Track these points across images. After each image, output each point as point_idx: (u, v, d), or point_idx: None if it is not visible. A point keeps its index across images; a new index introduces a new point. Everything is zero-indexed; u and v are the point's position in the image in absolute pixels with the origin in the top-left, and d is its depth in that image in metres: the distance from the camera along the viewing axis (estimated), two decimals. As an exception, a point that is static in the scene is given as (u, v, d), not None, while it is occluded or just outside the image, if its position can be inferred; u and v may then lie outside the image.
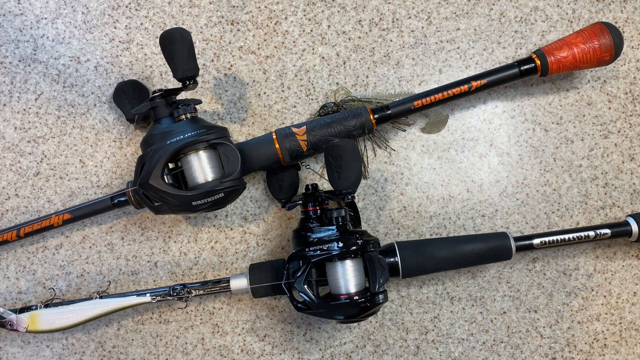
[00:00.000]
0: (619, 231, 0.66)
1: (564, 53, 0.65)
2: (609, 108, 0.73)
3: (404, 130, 0.73)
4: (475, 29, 0.73)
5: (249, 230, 0.72)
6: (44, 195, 0.73)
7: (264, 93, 0.73)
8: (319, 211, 0.63)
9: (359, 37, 0.74)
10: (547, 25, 0.73)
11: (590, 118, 0.72)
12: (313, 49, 0.73)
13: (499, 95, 0.73)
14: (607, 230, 0.66)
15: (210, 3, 0.74)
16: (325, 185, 0.71)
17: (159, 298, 0.65)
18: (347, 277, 0.59)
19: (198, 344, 0.71)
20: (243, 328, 0.71)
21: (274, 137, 0.65)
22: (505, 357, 0.70)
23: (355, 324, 0.71)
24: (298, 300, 0.60)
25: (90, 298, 0.66)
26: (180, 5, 0.74)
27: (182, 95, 0.65)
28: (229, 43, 0.74)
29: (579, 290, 0.71)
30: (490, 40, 0.73)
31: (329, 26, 0.74)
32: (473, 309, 0.71)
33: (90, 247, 0.72)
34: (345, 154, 0.57)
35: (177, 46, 0.60)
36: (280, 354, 0.71)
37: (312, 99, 0.73)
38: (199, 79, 0.67)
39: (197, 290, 0.66)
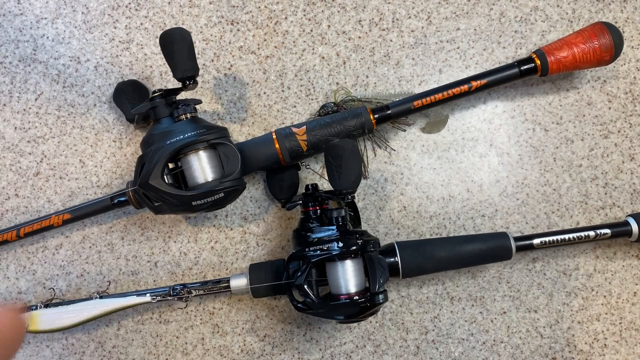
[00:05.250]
0: (619, 231, 0.66)
1: (564, 53, 0.65)
2: (609, 108, 0.73)
3: (404, 130, 0.73)
4: (475, 29, 0.73)
5: (249, 230, 0.72)
6: (44, 195, 0.73)
7: (264, 93, 0.73)
8: (319, 211, 0.63)
9: (359, 37, 0.74)
10: (547, 25, 0.73)
11: (590, 118, 0.72)
12: (313, 49, 0.73)
13: (499, 95, 0.73)
14: (607, 230, 0.66)
15: (210, 3, 0.74)
16: (325, 185, 0.71)
17: (159, 298, 0.65)
18: (347, 277, 0.59)
19: (198, 344, 0.71)
20: (243, 328, 0.71)
21: (274, 137, 0.65)
22: (505, 357, 0.70)
23: (355, 324, 0.71)
24: (298, 300, 0.60)
25: (90, 298, 0.66)
26: (180, 5, 0.74)
27: (182, 95, 0.65)
28: (229, 43, 0.74)
29: (579, 290, 0.71)
30: (490, 40, 0.73)
31: (329, 26, 0.74)
32: (473, 309, 0.71)
33: (90, 247, 0.72)
34: (345, 154, 0.57)
35: (177, 46, 0.60)
36: (280, 354, 0.71)
37: (312, 99, 0.73)
38: (199, 79, 0.67)
39: (197, 290, 0.66)
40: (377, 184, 0.72)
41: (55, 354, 0.71)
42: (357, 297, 0.58)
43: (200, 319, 0.71)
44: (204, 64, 0.73)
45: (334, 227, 0.60)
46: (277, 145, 0.64)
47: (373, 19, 0.74)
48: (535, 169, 0.72)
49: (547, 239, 0.65)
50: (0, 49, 0.74)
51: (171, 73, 0.62)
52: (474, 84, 0.66)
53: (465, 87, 0.66)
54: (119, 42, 0.74)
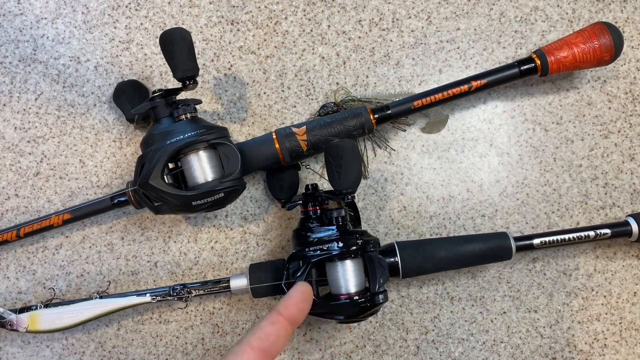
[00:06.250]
0: (619, 231, 0.66)
1: (564, 53, 0.65)
2: (609, 108, 0.73)
3: (404, 130, 0.73)
4: (475, 29, 0.73)
5: (249, 230, 0.72)
6: (44, 195, 0.73)
7: (264, 93, 0.73)
8: (319, 211, 0.63)
9: (359, 37, 0.74)
10: (547, 25, 0.73)
11: (590, 118, 0.72)
12: (313, 49, 0.73)
13: (499, 95, 0.73)
14: (607, 230, 0.66)
15: (210, 3, 0.74)
16: (325, 185, 0.71)
17: (159, 298, 0.65)
18: (347, 277, 0.59)
19: (198, 344, 0.71)
20: (243, 328, 0.71)
21: (274, 137, 0.65)
22: (505, 357, 0.70)
23: (355, 324, 0.71)
24: (298, 300, 0.60)
25: (90, 298, 0.66)
26: (180, 5, 0.74)
27: (182, 95, 0.65)
28: (229, 43, 0.74)
29: (579, 290, 0.71)
30: (490, 40, 0.73)
31: (329, 26, 0.74)
32: (473, 309, 0.71)
33: (90, 247, 0.72)
34: (345, 154, 0.57)
35: (177, 46, 0.60)
36: (280, 354, 0.71)
37: (312, 99, 0.73)
38: (199, 79, 0.67)
39: (197, 290, 0.66)
40: (377, 184, 0.72)
41: (55, 354, 0.71)
42: (357, 297, 0.58)
43: (200, 319, 0.71)
44: (204, 64, 0.73)
45: (334, 227, 0.60)
46: (277, 145, 0.64)
47: (373, 19, 0.74)
48: (535, 169, 0.72)
49: (547, 239, 0.65)
50: (0, 49, 0.74)
51: (171, 73, 0.62)
52: (474, 84, 0.66)
53: (465, 87, 0.66)
54: (119, 42, 0.74)
